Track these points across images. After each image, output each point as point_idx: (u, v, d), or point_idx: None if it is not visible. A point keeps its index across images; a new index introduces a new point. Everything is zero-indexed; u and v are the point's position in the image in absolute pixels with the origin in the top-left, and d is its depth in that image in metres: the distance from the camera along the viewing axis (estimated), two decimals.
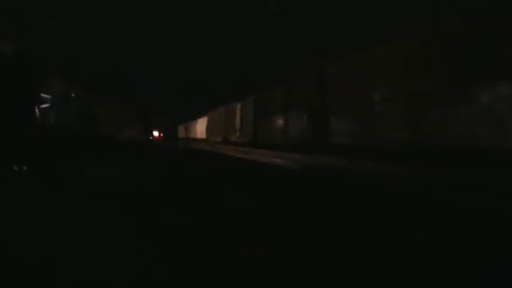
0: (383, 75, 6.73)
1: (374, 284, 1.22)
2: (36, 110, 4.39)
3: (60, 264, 1.30)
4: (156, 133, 32.30)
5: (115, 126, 18.02)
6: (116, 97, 19.75)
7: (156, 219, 2.05)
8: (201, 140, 25.98)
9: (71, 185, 3.25)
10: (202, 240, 1.68)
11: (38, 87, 4.46)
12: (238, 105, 16.40)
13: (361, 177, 4.47)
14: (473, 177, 4.16)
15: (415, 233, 1.89)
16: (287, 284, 1.21)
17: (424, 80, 5.76)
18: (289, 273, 1.29)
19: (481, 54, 4.85)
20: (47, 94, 7.52)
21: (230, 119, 18.11)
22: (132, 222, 1.97)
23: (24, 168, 3.83)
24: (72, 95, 7.90)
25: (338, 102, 8.26)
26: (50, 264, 1.30)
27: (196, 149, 13.04)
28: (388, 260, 1.46)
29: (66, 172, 4.15)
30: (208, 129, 24.75)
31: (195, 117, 30.63)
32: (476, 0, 5.30)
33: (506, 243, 1.74)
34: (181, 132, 35.46)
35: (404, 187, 3.61)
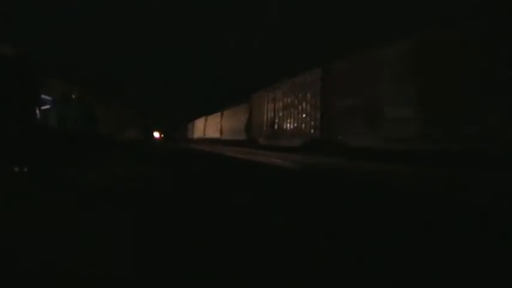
0: None
1: (374, 284, 1.23)
2: (37, 111, 4.41)
3: (60, 265, 1.30)
4: (156, 134, 31.89)
5: (115, 126, 18.02)
6: (116, 97, 19.76)
7: (157, 220, 2.06)
8: (231, 143, 16.26)
9: (72, 186, 3.26)
10: (203, 240, 1.68)
11: (38, 88, 4.48)
12: (382, 52, 6.77)
13: (361, 177, 4.47)
14: (473, 177, 4.16)
15: (415, 233, 1.89)
16: (287, 284, 1.21)
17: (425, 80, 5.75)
18: (289, 273, 1.30)
19: (479, 54, 4.86)
20: (47, 95, 7.54)
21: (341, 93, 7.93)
22: (133, 222, 1.98)
23: (25, 169, 3.84)
24: (73, 96, 7.91)
25: None
26: (50, 264, 1.31)
27: (197, 150, 13.01)
28: (388, 260, 1.47)
29: (67, 173, 4.15)
30: (253, 124, 13.80)
31: (199, 116, 26.21)
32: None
33: (506, 243, 1.74)
34: (183, 133, 33.90)
35: (404, 187, 3.61)
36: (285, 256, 1.48)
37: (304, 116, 9.69)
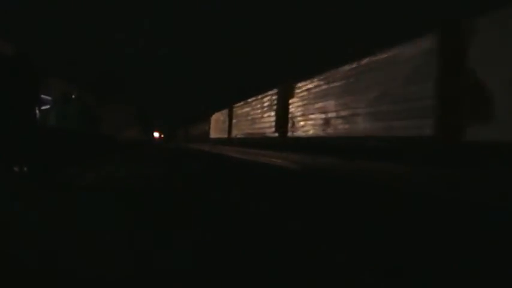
0: None
1: (374, 285, 1.23)
2: (37, 111, 4.40)
3: (60, 265, 1.30)
4: (156, 134, 31.80)
5: (115, 127, 18.03)
6: (116, 97, 19.77)
7: (157, 220, 2.06)
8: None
9: (72, 186, 3.26)
10: (203, 239, 1.68)
11: (38, 88, 4.47)
12: None
13: (360, 177, 4.47)
14: (473, 176, 4.16)
15: (414, 233, 1.89)
16: (286, 284, 1.21)
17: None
18: (287, 273, 1.29)
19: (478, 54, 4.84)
20: (47, 95, 7.55)
21: None
22: (133, 222, 1.98)
23: (25, 169, 3.83)
24: (73, 96, 7.91)
25: None
26: (50, 265, 1.31)
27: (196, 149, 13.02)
28: (387, 260, 1.47)
29: (67, 173, 4.16)
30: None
31: (200, 116, 26.75)
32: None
33: (506, 243, 1.74)
34: (183, 133, 33.09)
35: (404, 187, 3.61)
36: (282, 256, 1.48)
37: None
